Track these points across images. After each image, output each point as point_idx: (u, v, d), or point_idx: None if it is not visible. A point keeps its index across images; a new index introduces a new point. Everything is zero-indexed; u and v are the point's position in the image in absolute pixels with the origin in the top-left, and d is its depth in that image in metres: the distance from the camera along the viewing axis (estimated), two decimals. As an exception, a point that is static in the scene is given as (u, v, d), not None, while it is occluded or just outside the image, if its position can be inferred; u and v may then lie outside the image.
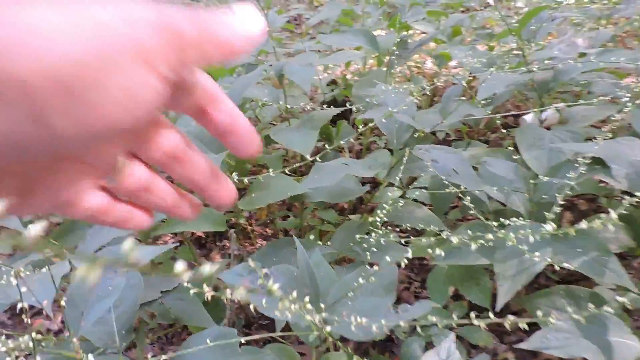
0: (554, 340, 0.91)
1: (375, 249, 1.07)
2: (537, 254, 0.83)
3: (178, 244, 1.55)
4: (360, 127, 0.91)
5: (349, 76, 2.63)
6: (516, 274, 0.92)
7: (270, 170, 0.89)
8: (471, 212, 1.00)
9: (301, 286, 0.74)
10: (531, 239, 0.99)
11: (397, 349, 1.67)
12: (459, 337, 1.35)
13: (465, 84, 0.95)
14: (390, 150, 1.22)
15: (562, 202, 0.85)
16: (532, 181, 0.93)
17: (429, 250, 0.91)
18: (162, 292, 0.95)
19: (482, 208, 1.23)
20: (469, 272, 1.26)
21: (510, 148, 1.07)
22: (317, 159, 0.86)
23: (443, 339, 1.21)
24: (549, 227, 0.62)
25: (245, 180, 0.86)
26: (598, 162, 0.91)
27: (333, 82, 2.49)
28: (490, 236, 0.90)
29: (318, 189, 1.06)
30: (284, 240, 1.13)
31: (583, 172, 0.85)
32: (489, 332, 1.49)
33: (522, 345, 0.91)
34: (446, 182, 0.93)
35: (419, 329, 1.21)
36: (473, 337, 1.32)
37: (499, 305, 0.92)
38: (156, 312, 0.97)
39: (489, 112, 1.05)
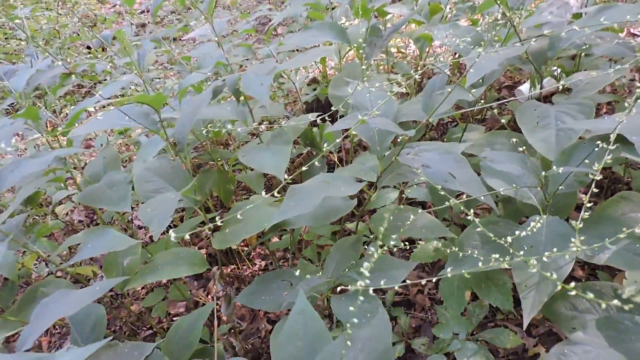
0: (572, 356, 0.79)
1: (373, 272, 0.95)
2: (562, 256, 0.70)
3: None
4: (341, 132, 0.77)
5: (330, 72, 2.49)
6: (540, 282, 0.79)
7: (248, 201, 0.75)
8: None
9: None
10: (548, 235, 0.86)
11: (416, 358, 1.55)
12: (483, 342, 1.23)
13: (449, 68, 0.81)
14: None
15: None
16: (543, 173, 0.79)
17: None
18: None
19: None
20: (485, 272, 1.13)
21: (510, 126, 0.94)
22: (301, 169, 0.73)
23: (467, 354, 1.09)
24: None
25: (217, 222, 0.73)
26: (617, 139, 0.77)
27: (314, 81, 2.35)
28: (504, 241, 0.77)
29: (299, 217, 0.93)
30: (272, 275, 1.00)
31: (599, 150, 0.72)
32: (515, 327, 1.36)
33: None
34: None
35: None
36: (500, 340, 1.19)
37: (526, 323, 0.79)
38: None
39: (482, 94, 0.91)
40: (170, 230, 0.63)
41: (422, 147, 0.82)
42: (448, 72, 0.83)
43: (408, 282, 0.67)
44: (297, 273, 0.90)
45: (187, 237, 1.74)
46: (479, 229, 1.03)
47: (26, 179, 1.15)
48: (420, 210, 0.98)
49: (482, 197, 0.78)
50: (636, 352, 0.74)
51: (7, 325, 0.95)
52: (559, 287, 0.80)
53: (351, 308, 0.86)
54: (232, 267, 1.83)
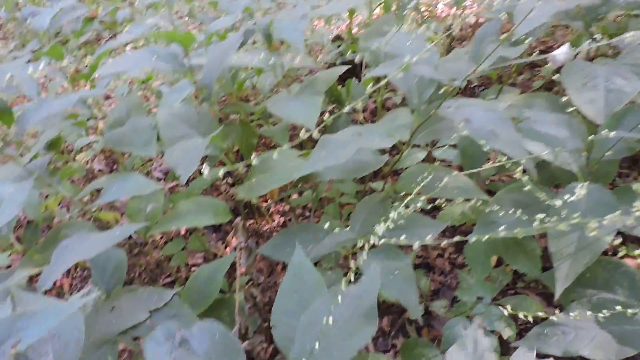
0: (551, 336, 0.79)
1: (401, 230, 0.92)
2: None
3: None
4: (370, 86, 0.73)
5: (354, 30, 2.40)
6: (577, 252, 0.76)
7: (276, 151, 0.72)
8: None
9: (230, 352, 0.60)
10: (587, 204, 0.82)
11: (437, 322, 1.54)
12: (504, 307, 1.21)
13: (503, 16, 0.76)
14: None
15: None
16: (590, 137, 0.75)
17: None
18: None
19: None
20: (514, 238, 1.10)
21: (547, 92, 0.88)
22: (327, 123, 0.70)
23: (492, 319, 1.07)
24: None
25: (251, 162, 0.70)
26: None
27: (338, 38, 2.27)
28: (539, 216, 0.73)
29: (329, 169, 0.90)
30: (296, 228, 0.98)
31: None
32: (535, 297, 1.34)
33: None
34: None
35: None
36: (521, 307, 1.17)
37: (558, 293, 0.76)
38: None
39: (525, 51, 0.86)
40: (204, 165, 0.61)
41: (463, 102, 0.78)
42: (503, 16, 0.77)
43: (433, 241, 0.64)
44: (326, 226, 0.88)
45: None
46: (511, 194, 0.99)
47: (49, 120, 1.13)
48: (455, 172, 0.94)
49: (522, 161, 0.74)
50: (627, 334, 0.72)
51: (32, 264, 0.95)
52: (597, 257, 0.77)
53: (376, 265, 0.84)
54: (251, 222, 1.83)
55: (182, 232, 1.94)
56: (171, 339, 0.58)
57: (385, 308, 1.61)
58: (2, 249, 1.19)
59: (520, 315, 0.79)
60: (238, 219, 1.09)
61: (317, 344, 0.56)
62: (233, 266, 1.76)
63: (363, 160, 0.91)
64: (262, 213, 1.82)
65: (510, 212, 0.96)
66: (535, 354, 0.76)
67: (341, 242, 0.88)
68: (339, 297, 0.57)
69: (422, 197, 0.85)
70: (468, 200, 1.26)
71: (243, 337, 1.05)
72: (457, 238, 0.67)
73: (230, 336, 0.60)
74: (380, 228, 0.89)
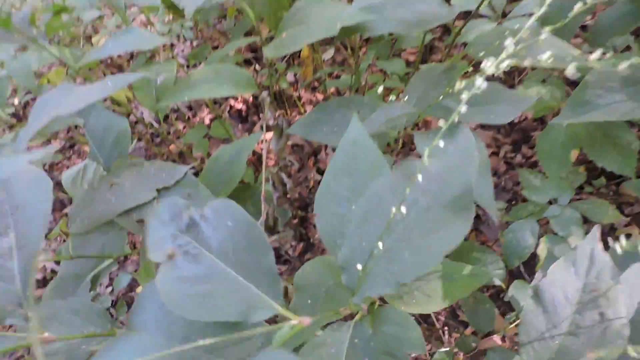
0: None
1: (474, 106, 0.72)
2: None
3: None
4: None
5: None
6: None
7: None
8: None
9: (253, 243, 0.42)
10: None
11: (486, 227, 1.39)
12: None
13: None
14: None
15: None
16: None
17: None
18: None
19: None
20: (604, 128, 0.89)
21: None
22: None
23: (567, 224, 0.89)
24: None
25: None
26: None
27: None
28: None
29: (383, 18, 0.68)
30: (335, 102, 0.79)
31: None
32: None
33: None
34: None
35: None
36: (596, 213, 0.98)
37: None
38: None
39: None
40: None
41: None
42: None
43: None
44: (368, 98, 0.69)
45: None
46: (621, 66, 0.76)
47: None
48: (544, 33, 0.71)
49: None
50: None
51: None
52: None
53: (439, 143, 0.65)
54: (280, 112, 1.65)
55: (207, 121, 1.79)
56: (177, 220, 0.42)
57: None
58: None
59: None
60: (265, 92, 0.90)
61: (379, 244, 0.39)
62: (260, 159, 1.60)
63: (427, 11, 0.69)
64: (293, 102, 1.63)
65: (615, 90, 0.74)
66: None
67: (394, 117, 0.69)
68: (419, 175, 0.38)
69: (505, 62, 0.63)
70: (544, 81, 1.03)
71: (271, 230, 0.91)
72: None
73: (255, 224, 0.43)
74: (448, 102, 0.69)
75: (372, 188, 0.44)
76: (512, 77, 1.52)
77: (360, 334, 0.43)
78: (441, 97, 0.67)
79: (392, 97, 1.11)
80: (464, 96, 0.62)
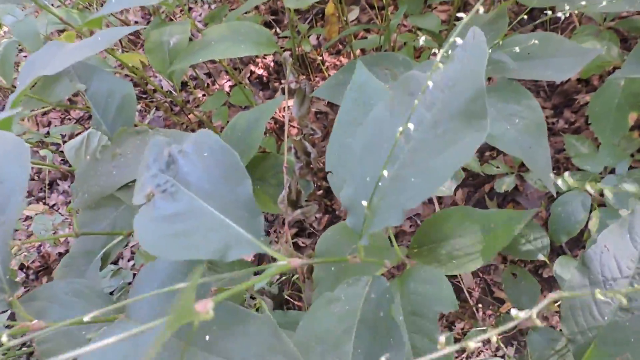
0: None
1: (525, 60, 0.63)
2: None
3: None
4: None
5: None
6: None
7: None
8: None
9: (231, 174, 0.37)
10: None
11: (524, 198, 1.30)
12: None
13: None
14: None
15: None
16: None
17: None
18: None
19: None
20: (669, 88, 0.78)
21: None
22: None
23: (623, 196, 0.80)
24: None
25: None
26: None
27: None
28: None
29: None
30: (364, 60, 0.70)
31: None
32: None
33: None
34: None
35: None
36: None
37: None
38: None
39: None
40: None
41: None
42: None
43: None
44: (402, 58, 0.62)
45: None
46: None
47: None
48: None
49: None
50: None
51: (28, 104, 0.75)
52: None
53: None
54: (303, 77, 1.56)
55: (227, 88, 1.72)
56: (159, 160, 0.38)
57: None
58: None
59: None
60: (287, 53, 0.82)
61: (384, 172, 0.33)
62: (283, 128, 1.53)
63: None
64: (316, 67, 1.54)
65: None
66: None
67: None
68: (429, 82, 0.31)
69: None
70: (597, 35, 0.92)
71: (294, 203, 0.85)
72: None
73: (230, 150, 0.38)
74: (498, 55, 0.60)
75: (372, 115, 0.38)
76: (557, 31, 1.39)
77: (378, 289, 0.37)
78: (489, 50, 0.58)
79: (432, 52, 1.02)
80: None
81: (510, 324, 0.26)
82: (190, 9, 1.99)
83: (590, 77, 1.29)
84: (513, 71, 0.57)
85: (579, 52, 0.58)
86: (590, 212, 0.78)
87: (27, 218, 1.54)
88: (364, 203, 0.35)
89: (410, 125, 0.32)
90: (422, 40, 0.59)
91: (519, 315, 0.26)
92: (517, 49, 0.56)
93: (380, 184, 0.34)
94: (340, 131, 0.48)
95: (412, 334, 0.42)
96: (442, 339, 0.28)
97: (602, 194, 0.78)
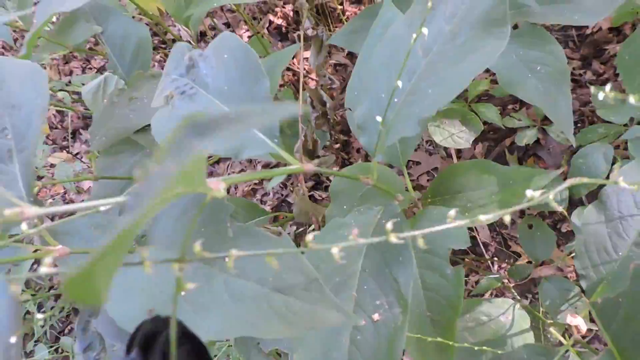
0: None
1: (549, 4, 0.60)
2: None
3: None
4: None
5: None
6: None
7: None
8: None
9: (250, 75, 0.37)
10: None
11: (545, 153, 1.27)
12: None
13: None
14: None
15: None
16: None
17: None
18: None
19: None
20: None
21: None
22: None
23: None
24: None
25: None
26: None
27: None
28: None
29: None
30: (378, 7, 0.68)
31: None
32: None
33: None
34: None
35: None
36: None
37: None
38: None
39: None
40: None
41: None
42: None
43: None
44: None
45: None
46: None
47: None
48: None
49: None
50: None
51: (46, 48, 0.75)
52: None
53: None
54: (320, 26, 1.53)
55: (244, 39, 1.69)
56: (179, 65, 0.39)
57: (480, 132, 1.33)
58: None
59: None
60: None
61: (399, 83, 0.33)
62: (299, 80, 1.52)
63: None
64: (336, 17, 1.50)
65: None
66: None
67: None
68: None
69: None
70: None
71: (310, 153, 0.85)
72: None
73: (249, 50, 0.39)
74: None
75: (389, 32, 0.37)
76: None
77: (390, 215, 0.38)
78: None
79: None
80: None
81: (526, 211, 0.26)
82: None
83: (623, 25, 1.23)
84: (538, 15, 0.54)
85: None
86: (612, 164, 0.76)
87: (52, 165, 1.59)
88: (378, 118, 0.35)
89: (425, 30, 0.31)
90: None
91: (534, 196, 0.26)
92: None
93: (395, 99, 0.33)
94: (361, 67, 0.47)
95: (422, 270, 0.42)
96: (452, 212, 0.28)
97: (626, 148, 0.76)
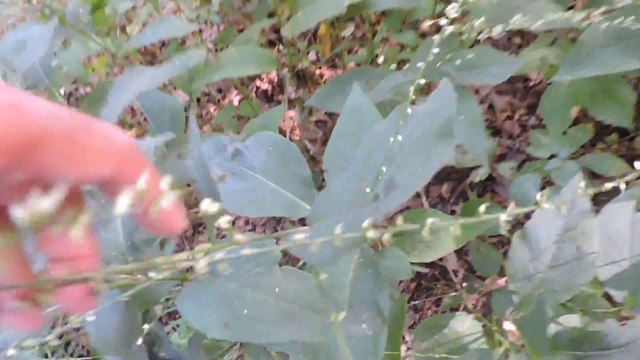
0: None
1: (468, 69, 0.80)
2: None
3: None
4: None
5: None
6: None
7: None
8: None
9: (290, 160, 0.53)
10: None
11: (501, 188, 1.45)
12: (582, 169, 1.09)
13: None
14: None
15: None
16: None
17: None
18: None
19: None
20: (602, 83, 0.94)
21: None
22: None
23: (566, 176, 0.96)
24: None
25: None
26: None
27: None
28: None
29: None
30: (348, 74, 0.88)
31: None
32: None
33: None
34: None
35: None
36: (602, 167, 1.04)
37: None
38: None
39: None
40: None
41: None
42: None
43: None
44: (379, 69, 0.78)
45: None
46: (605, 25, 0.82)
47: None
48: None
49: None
50: None
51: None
52: None
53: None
54: (304, 89, 1.74)
55: (235, 103, 1.90)
56: (222, 152, 0.54)
57: (446, 174, 1.52)
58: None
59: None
60: (285, 70, 1.00)
61: (383, 169, 0.49)
62: (286, 135, 1.70)
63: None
64: (315, 80, 1.71)
65: (603, 46, 0.80)
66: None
67: (398, 84, 0.77)
68: (409, 111, 0.47)
69: (499, 26, 0.71)
70: (553, 43, 1.08)
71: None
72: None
73: (292, 144, 0.55)
74: (447, 67, 0.77)
75: (374, 129, 0.54)
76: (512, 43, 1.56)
77: (365, 256, 0.54)
78: (439, 64, 0.75)
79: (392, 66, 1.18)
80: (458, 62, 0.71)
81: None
82: (200, 30, 2.18)
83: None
84: (458, 78, 0.74)
85: (509, 61, 0.74)
86: (541, 190, 0.94)
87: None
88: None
89: (399, 137, 0.48)
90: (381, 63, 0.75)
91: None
92: (459, 61, 0.73)
93: (379, 177, 0.49)
94: (336, 143, 0.61)
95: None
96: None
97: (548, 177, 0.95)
